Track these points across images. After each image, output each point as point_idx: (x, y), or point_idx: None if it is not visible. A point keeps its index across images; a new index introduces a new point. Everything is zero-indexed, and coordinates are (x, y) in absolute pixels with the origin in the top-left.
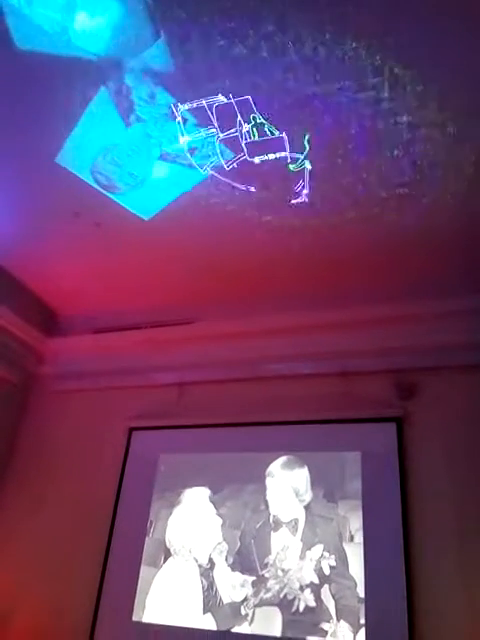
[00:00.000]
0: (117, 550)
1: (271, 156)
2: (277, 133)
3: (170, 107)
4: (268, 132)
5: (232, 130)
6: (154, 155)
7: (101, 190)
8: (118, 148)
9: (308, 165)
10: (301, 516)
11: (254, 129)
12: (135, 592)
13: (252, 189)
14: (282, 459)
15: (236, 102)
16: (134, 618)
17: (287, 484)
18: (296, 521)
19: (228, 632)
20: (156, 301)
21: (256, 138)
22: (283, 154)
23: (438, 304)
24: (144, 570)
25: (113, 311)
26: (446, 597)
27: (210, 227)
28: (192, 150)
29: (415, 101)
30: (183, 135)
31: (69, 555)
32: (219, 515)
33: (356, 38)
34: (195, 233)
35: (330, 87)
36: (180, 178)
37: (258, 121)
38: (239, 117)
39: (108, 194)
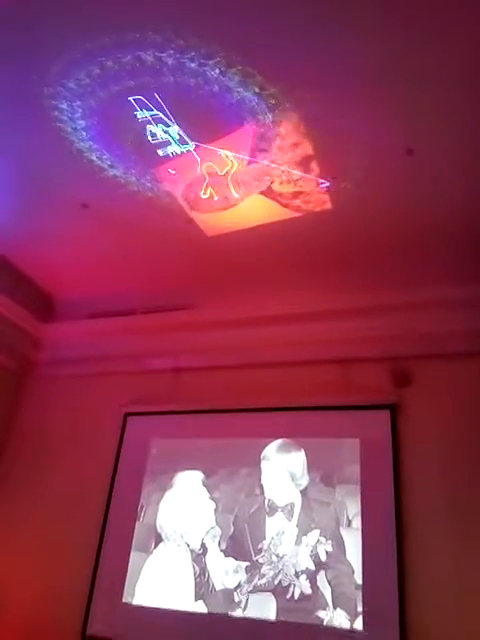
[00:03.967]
0: (110, 535)
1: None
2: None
3: None
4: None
5: None
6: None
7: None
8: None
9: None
10: (297, 500)
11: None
12: (125, 578)
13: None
14: (277, 442)
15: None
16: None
17: (283, 468)
18: (292, 505)
19: (222, 615)
20: (152, 286)
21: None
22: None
23: (434, 293)
24: (134, 555)
25: (109, 296)
26: (438, 582)
27: None
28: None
29: None
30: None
31: (64, 540)
32: (212, 499)
33: None
34: (190, 218)
35: None
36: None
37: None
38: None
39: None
